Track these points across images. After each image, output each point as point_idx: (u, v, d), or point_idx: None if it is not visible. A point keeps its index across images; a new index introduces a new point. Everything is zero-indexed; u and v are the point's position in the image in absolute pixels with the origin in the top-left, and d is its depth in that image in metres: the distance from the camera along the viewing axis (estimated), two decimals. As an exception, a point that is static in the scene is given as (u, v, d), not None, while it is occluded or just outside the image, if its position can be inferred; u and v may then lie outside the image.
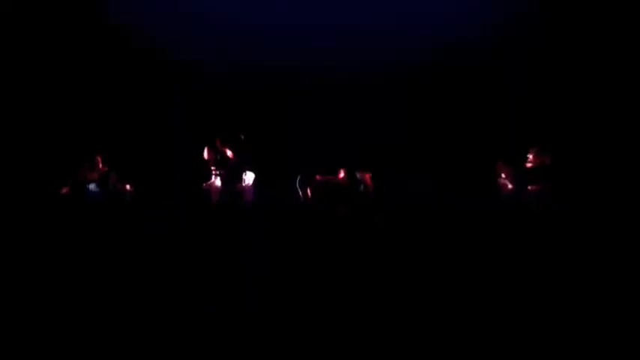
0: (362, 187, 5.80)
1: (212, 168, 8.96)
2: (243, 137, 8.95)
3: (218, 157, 8.77)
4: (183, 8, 10.35)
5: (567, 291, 1.85)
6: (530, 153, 7.56)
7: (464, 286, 1.96)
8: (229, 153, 8.80)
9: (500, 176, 7.71)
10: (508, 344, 1.35)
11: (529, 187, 7.37)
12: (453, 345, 1.36)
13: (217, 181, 8.96)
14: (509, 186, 7.55)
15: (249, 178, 8.89)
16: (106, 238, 3.46)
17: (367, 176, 5.63)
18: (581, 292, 1.86)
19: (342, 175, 5.58)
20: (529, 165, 7.49)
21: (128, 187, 8.44)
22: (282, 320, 1.65)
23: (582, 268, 2.30)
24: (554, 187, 7.25)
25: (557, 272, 2.19)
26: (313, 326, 1.57)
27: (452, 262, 2.42)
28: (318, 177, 5.66)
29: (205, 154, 8.95)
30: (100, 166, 8.44)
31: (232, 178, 8.68)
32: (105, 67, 10.01)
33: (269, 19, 10.41)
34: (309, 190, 5.55)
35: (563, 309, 1.64)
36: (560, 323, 1.51)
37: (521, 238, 3.30)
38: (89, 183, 8.35)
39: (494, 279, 2.07)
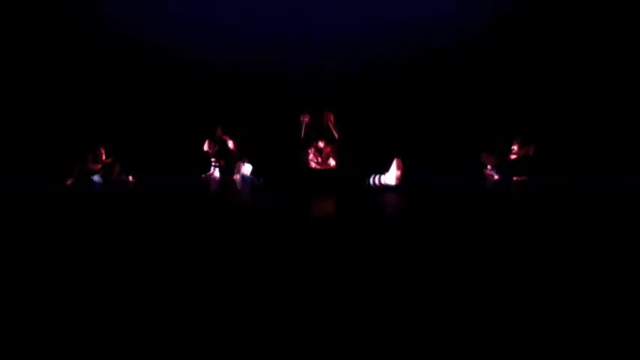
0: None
1: (212, 160, 9.24)
2: (243, 130, 9.23)
3: (218, 149, 9.04)
4: (185, 11, 10.63)
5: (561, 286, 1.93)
6: (515, 144, 7.76)
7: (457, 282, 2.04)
8: (230, 144, 9.05)
9: (486, 167, 7.88)
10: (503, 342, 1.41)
11: (514, 178, 7.52)
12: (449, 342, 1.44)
13: (216, 172, 9.24)
14: (495, 177, 7.71)
15: (247, 169, 9.15)
16: (108, 233, 3.55)
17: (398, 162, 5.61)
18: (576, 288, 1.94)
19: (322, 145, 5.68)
20: (513, 156, 7.65)
21: (131, 178, 8.62)
22: (282, 320, 1.71)
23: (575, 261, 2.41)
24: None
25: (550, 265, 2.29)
26: (312, 325, 1.64)
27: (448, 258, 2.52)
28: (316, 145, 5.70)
29: (205, 146, 9.23)
30: (104, 157, 8.61)
31: (231, 169, 8.95)
32: (106, 64, 10.23)
33: (271, 19, 10.67)
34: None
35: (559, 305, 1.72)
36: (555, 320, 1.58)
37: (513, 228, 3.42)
38: (93, 174, 8.50)
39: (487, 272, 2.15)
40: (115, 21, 10.46)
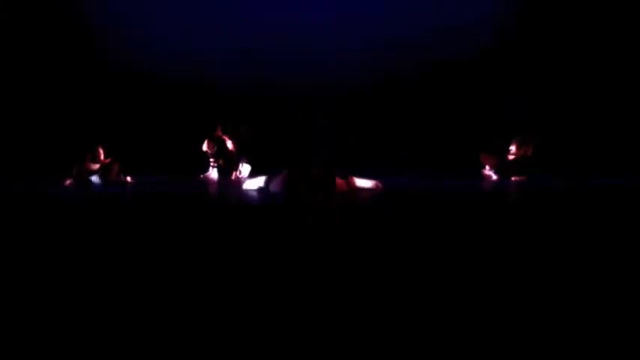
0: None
1: (210, 160, 9.24)
2: (243, 130, 9.23)
3: (217, 149, 9.05)
4: (183, 12, 10.65)
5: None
6: (513, 144, 7.77)
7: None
8: (229, 144, 9.04)
9: (485, 167, 7.92)
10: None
11: (513, 178, 7.57)
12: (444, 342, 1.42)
13: (214, 173, 9.23)
14: (494, 177, 7.75)
15: (245, 170, 9.16)
16: (110, 235, 3.53)
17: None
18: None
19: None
20: (512, 157, 7.69)
21: (129, 178, 8.59)
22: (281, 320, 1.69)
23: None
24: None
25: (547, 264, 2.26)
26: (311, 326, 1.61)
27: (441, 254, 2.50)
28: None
29: (205, 146, 9.22)
30: (102, 157, 8.55)
31: (229, 169, 8.97)
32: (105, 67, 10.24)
33: (271, 21, 10.70)
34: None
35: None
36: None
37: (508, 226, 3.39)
38: (91, 174, 8.46)
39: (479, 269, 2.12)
40: (114, 21, 10.46)
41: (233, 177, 8.88)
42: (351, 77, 10.87)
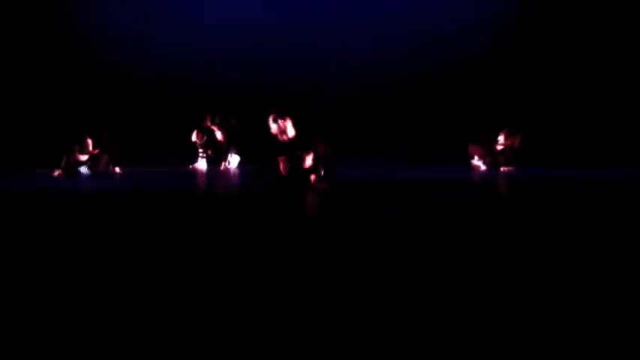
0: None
1: (199, 151, 9.21)
2: (233, 121, 9.22)
3: (206, 139, 9.04)
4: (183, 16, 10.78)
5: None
6: (501, 135, 7.70)
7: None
8: (219, 134, 9.03)
9: (473, 158, 7.85)
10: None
11: (501, 169, 7.51)
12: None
13: (203, 163, 9.19)
14: (482, 167, 7.68)
15: (234, 160, 9.13)
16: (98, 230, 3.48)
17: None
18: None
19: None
20: (500, 147, 7.63)
21: (118, 169, 8.57)
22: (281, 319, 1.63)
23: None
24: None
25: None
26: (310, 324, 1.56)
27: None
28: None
29: (194, 137, 9.21)
30: (91, 148, 8.54)
31: (218, 160, 8.95)
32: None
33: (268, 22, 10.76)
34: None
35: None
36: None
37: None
38: (80, 166, 8.45)
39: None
40: (113, 21, 10.57)
41: (222, 167, 8.86)
42: (351, 77, 10.83)
